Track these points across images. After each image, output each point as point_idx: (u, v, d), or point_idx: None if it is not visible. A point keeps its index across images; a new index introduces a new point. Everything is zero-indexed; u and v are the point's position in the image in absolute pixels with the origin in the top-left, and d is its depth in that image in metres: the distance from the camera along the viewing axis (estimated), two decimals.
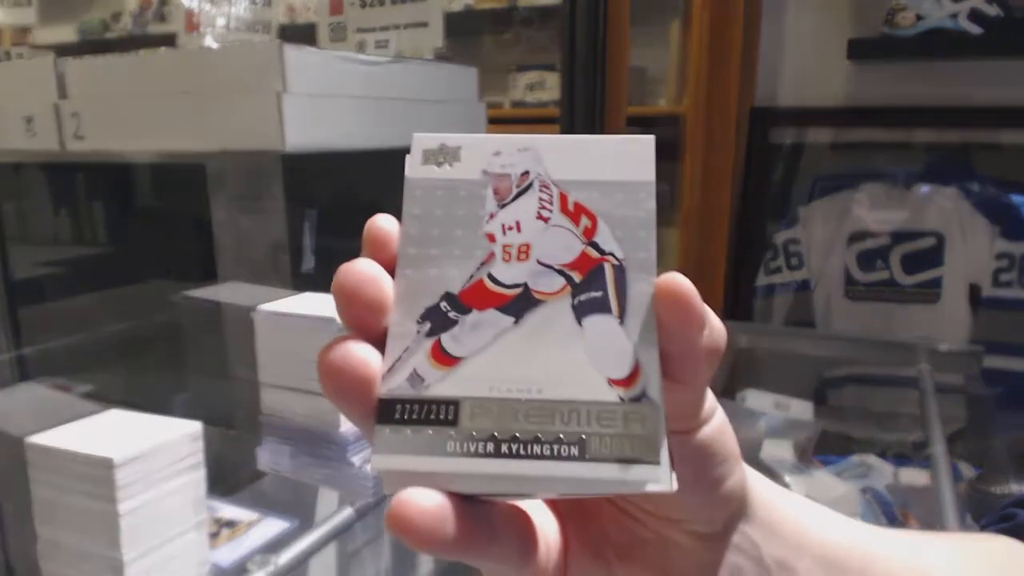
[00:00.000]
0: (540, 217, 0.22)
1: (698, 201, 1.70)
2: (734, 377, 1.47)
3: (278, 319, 0.80)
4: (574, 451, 0.20)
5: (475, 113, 1.30)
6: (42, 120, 1.05)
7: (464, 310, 0.22)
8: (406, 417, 0.20)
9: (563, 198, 0.22)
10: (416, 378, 0.21)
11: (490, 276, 0.22)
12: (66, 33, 3.01)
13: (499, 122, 2.01)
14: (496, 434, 0.20)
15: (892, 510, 1.06)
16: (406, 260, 0.22)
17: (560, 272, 0.22)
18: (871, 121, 1.66)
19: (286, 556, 0.68)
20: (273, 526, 0.73)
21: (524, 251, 0.22)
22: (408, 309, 0.22)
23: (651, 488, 0.20)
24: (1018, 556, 0.35)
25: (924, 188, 1.54)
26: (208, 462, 0.65)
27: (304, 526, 0.74)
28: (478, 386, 0.21)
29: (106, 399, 0.83)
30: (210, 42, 1.12)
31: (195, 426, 0.64)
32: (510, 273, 0.22)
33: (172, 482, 0.62)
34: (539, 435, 0.20)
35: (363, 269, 0.21)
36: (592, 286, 0.22)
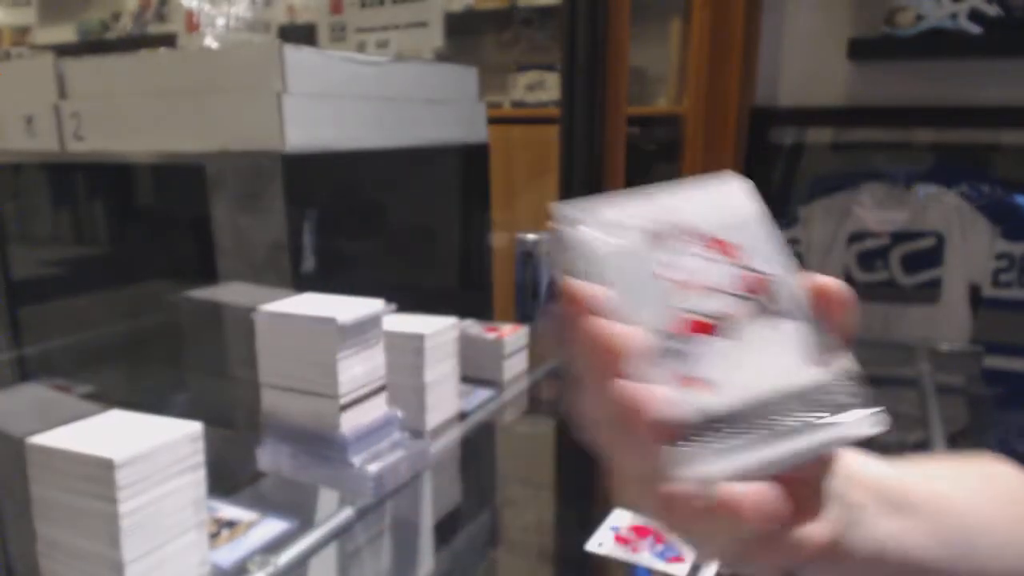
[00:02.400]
0: (706, 258, 0.28)
1: None
2: None
3: (278, 319, 0.80)
4: (819, 420, 0.27)
5: (475, 113, 1.30)
6: (42, 120, 1.05)
7: (689, 341, 0.27)
8: (695, 435, 0.26)
9: (710, 239, 0.29)
10: (683, 401, 0.26)
11: (694, 311, 0.27)
12: (66, 33, 3.01)
13: (499, 122, 2.00)
14: (758, 428, 0.26)
15: None
16: (622, 315, 0.27)
17: (741, 296, 0.28)
18: (871, 121, 1.66)
19: (286, 556, 0.68)
20: (273, 526, 0.73)
21: (706, 286, 0.28)
22: (648, 350, 0.27)
23: (872, 429, 0.27)
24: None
25: (924, 188, 1.54)
26: (208, 462, 0.65)
27: (304, 526, 0.73)
28: (731, 396, 0.26)
29: (106, 399, 0.83)
30: (210, 42, 1.12)
31: (195, 426, 0.64)
32: (707, 305, 0.28)
33: (172, 482, 0.62)
34: (788, 420, 0.26)
35: (613, 330, 0.26)
36: (769, 300, 0.28)
